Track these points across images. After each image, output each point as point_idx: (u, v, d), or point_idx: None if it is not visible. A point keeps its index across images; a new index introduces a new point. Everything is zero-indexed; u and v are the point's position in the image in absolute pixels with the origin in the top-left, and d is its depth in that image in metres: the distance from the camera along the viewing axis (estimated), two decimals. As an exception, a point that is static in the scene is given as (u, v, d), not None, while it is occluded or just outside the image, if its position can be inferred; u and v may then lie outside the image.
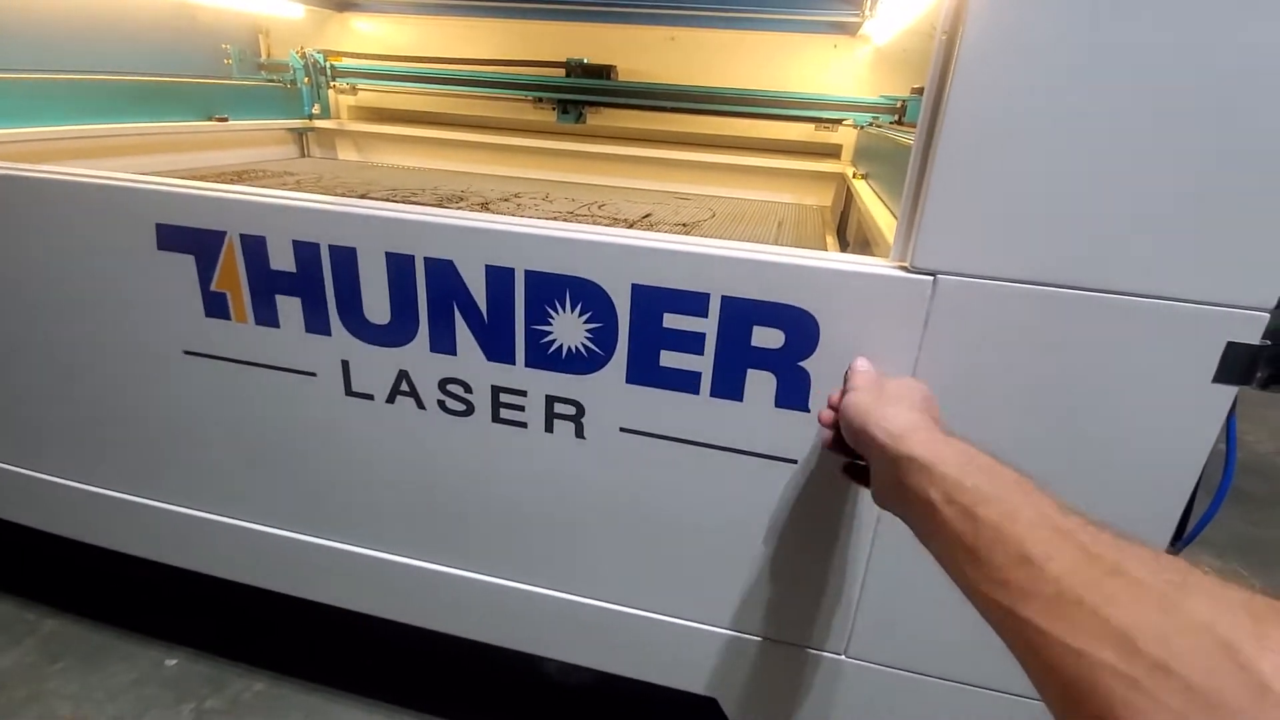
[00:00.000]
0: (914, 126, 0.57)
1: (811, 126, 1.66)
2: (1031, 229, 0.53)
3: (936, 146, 0.53)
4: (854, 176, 1.32)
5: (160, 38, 1.54)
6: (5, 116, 1.19)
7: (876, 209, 0.93)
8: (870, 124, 1.52)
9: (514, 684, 1.16)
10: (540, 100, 1.76)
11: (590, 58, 1.72)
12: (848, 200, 1.59)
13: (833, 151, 1.72)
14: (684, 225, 1.16)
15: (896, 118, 1.51)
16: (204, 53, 1.65)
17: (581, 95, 1.72)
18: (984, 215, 0.54)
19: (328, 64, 1.76)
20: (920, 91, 1.46)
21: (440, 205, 1.11)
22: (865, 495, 0.64)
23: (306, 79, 1.77)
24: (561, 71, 1.73)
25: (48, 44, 1.33)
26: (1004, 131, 0.51)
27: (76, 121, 1.31)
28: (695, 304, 0.62)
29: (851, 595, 0.72)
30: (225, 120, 1.60)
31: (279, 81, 1.78)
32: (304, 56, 1.75)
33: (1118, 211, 0.52)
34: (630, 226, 1.06)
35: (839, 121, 1.61)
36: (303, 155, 1.88)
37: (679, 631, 0.79)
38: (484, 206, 1.18)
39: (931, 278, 0.56)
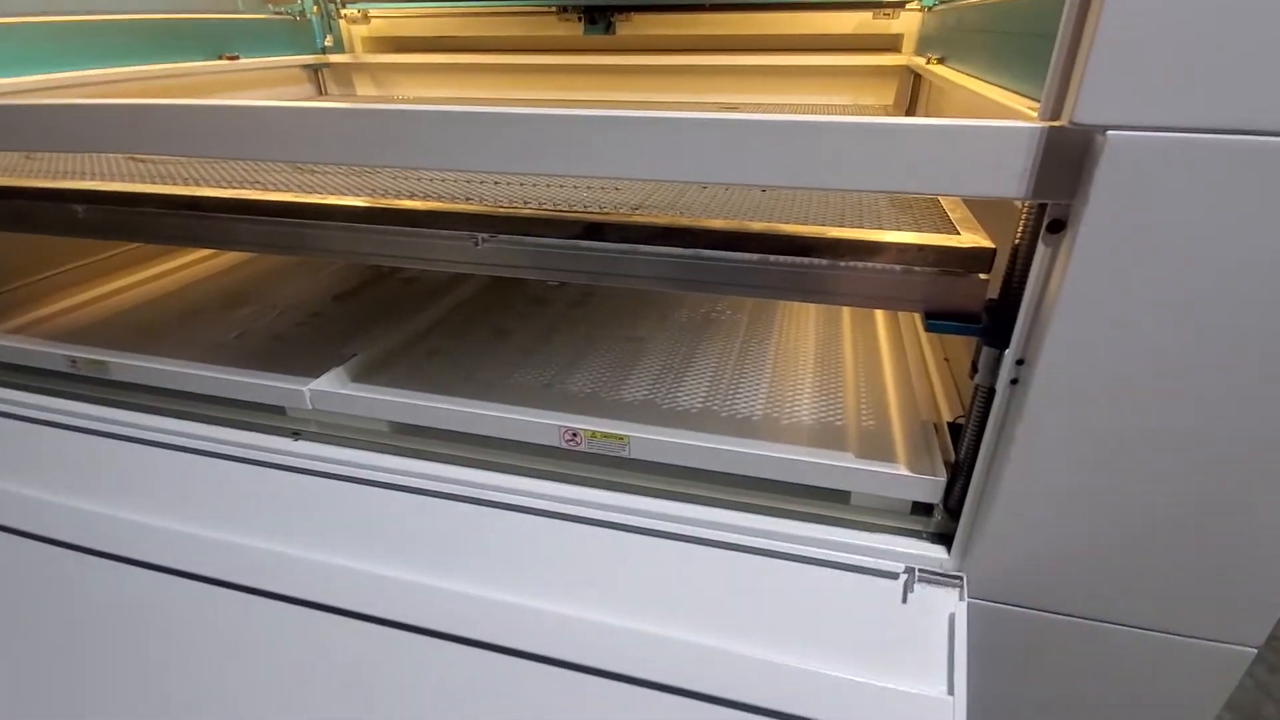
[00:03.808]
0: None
1: (869, 15, 1.49)
2: (1223, 67, 0.42)
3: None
4: (928, 63, 1.17)
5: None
6: (8, 64, 1.12)
7: (978, 87, 0.80)
8: (940, 2, 1.35)
9: None
10: (565, 10, 1.62)
11: (616, -42, 1.56)
12: (914, 94, 1.44)
13: (892, 44, 1.55)
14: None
15: (971, -7, 1.33)
16: (206, -13, 1.55)
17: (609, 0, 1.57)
18: (1166, 56, 0.43)
19: (336, -12, 1.64)
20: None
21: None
22: None
23: (316, 8, 1.65)
24: (586, -24, 1.58)
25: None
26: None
27: (85, 66, 1.24)
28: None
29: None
30: (236, 59, 1.51)
31: (287, 14, 1.66)
32: (311, -18, 1.63)
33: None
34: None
35: (902, 4, 1.44)
36: (320, 94, 1.78)
37: None
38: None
39: (1101, 134, 0.46)
